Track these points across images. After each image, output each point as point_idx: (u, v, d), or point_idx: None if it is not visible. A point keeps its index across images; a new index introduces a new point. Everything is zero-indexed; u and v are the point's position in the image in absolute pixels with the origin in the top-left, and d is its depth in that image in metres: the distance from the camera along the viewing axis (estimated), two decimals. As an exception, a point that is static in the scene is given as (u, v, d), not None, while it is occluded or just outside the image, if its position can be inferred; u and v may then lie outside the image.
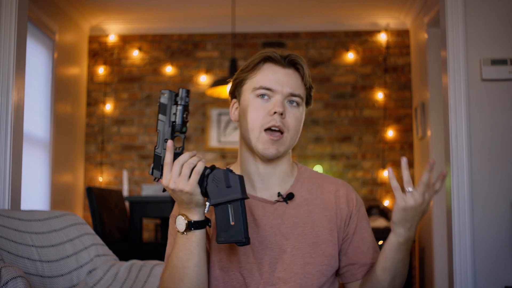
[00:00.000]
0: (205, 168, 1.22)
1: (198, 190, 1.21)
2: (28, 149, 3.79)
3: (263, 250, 1.32)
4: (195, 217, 1.23)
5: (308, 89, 1.39)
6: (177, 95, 1.24)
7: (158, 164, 1.25)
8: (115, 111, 4.99)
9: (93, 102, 5.01)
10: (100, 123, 4.98)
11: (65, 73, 4.59)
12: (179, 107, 1.23)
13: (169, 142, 1.22)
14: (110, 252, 1.97)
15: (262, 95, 1.33)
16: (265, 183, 1.38)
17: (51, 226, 1.83)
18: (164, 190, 1.27)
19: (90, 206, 3.63)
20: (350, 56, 4.88)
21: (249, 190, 1.37)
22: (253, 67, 1.36)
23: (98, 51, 5.04)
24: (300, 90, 1.35)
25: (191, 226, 1.23)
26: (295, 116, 1.34)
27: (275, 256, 1.32)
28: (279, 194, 1.36)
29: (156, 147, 1.25)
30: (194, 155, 1.22)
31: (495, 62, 2.41)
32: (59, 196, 4.40)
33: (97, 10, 4.76)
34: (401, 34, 4.87)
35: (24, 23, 2.46)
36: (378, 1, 4.54)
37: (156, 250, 3.77)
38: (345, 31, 4.91)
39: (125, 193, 4.47)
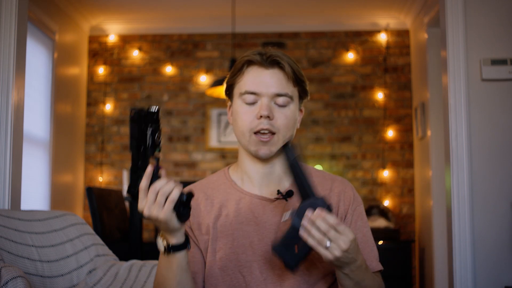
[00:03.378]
0: (181, 194, 1.15)
1: (173, 217, 1.16)
2: (28, 149, 3.78)
3: (263, 248, 1.32)
4: (174, 240, 1.21)
5: (299, 84, 1.36)
6: (147, 114, 1.16)
7: (134, 184, 1.19)
8: (115, 111, 4.99)
9: (93, 102, 5.01)
10: (100, 123, 4.98)
11: (65, 73, 4.59)
12: (149, 129, 1.16)
13: (149, 168, 1.15)
14: (110, 252, 1.97)
15: (249, 99, 1.33)
16: (265, 181, 1.39)
17: (51, 226, 1.83)
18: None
19: (90, 206, 3.63)
20: (350, 56, 4.88)
21: (249, 188, 1.39)
22: (237, 72, 1.36)
23: (98, 51, 5.04)
24: (287, 88, 1.33)
25: (170, 249, 1.21)
26: (285, 115, 1.33)
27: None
28: (278, 192, 1.36)
29: (132, 167, 1.18)
30: (170, 181, 1.16)
31: (495, 62, 2.41)
32: (59, 196, 4.40)
33: (97, 10, 4.76)
34: (401, 34, 4.87)
35: (24, 23, 2.46)
36: (378, 1, 4.54)
37: (156, 250, 3.76)
38: (345, 31, 4.91)
39: (125, 193, 4.47)
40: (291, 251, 1.20)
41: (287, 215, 1.21)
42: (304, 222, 1.17)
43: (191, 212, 1.38)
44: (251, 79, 1.33)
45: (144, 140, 1.16)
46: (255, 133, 1.32)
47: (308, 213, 1.17)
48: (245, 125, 1.33)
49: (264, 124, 1.30)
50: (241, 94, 1.34)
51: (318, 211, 1.16)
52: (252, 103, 1.33)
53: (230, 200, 1.39)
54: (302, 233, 1.16)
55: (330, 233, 1.15)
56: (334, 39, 4.92)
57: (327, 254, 1.16)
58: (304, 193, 1.21)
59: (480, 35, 2.45)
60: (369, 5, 4.63)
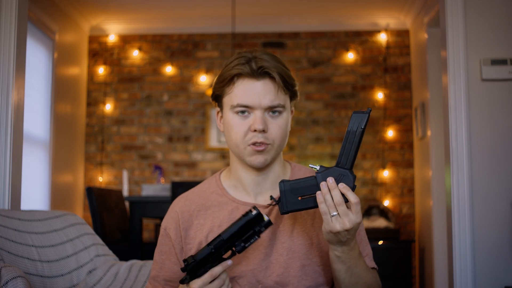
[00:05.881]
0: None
1: None
2: (28, 149, 3.78)
3: (259, 256, 1.31)
4: None
5: (289, 90, 1.33)
6: (259, 220, 1.18)
7: (200, 265, 1.20)
8: (115, 111, 4.99)
9: (93, 102, 5.01)
10: (100, 123, 4.98)
11: (65, 73, 4.59)
12: (253, 236, 1.19)
13: (217, 268, 1.19)
14: (110, 252, 1.97)
15: (241, 112, 1.30)
16: (259, 188, 1.37)
17: (51, 226, 1.83)
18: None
19: (90, 206, 3.63)
20: (350, 56, 4.88)
21: (243, 197, 1.37)
22: (227, 83, 1.32)
23: (98, 51, 5.04)
24: (279, 98, 1.30)
25: None
26: (279, 125, 1.31)
27: (271, 261, 1.31)
28: (271, 198, 1.33)
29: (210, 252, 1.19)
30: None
31: (495, 62, 2.41)
32: (59, 196, 4.40)
33: (97, 10, 4.76)
34: (401, 34, 4.87)
35: (24, 23, 2.46)
36: (378, 1, 4.54)
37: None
38: (345, 31, 4.91)
39: (125, 193, 4.47)
40: (294, 196, 1.22)
41: (317, 168, 1.22)
42: (324, 185, 1.19)
43: (183, 226, 1.37)
44: (242, 92, 1.29)
45: (239, 238, 1.19)
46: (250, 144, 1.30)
47: (330, 180, 1.19)
48: (239, 138, 1.30)
49: (258, 138, 1.28)
50: (233, 106, 1.30)
51: (342, 184, 1.19)
52: (245, 116, 1.30)
53: (223, 210, 1.36)
54: (318, 193, 1.19)
55: (341, 207, 1.17)
56: (334, 39, 4.92)
57: (329, 223, 1.18)
58: (344, 160, 1.21)
59: (480, 35, 2.45)
60: (369, 5, 4.63)
